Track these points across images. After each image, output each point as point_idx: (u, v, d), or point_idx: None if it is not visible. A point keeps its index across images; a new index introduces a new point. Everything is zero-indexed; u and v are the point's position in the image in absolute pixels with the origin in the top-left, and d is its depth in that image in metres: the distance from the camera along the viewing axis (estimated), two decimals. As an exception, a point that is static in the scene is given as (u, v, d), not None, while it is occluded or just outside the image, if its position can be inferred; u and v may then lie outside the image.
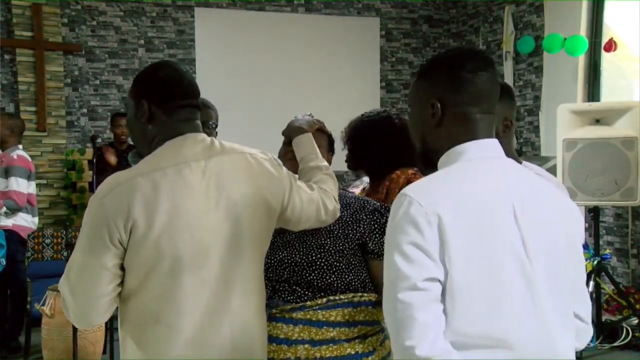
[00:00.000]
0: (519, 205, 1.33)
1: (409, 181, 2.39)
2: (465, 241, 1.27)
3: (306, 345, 1.90)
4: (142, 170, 1.64)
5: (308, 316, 1.91)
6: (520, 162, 2.07)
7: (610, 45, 5.43)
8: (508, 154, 2.04)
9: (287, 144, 2.07)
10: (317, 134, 2.07)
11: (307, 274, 1.94)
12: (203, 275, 1.64)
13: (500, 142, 1.99)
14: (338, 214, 1.92)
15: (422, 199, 1.29)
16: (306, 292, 1.94)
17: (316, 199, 1.85)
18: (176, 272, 1.61)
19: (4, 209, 4.76)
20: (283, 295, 1.95)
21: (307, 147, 2.00)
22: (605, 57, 5.75)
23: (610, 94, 5.85)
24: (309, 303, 1.92)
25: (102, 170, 4.60)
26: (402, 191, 1.33)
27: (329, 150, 2.17)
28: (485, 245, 1.28)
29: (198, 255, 1.63)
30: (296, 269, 1.94)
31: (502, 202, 1.33)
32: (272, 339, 1.91)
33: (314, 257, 1.94)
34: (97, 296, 1.63)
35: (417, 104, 1.47)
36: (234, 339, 1.68)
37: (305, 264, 1.94)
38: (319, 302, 1.91)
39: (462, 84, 1.40)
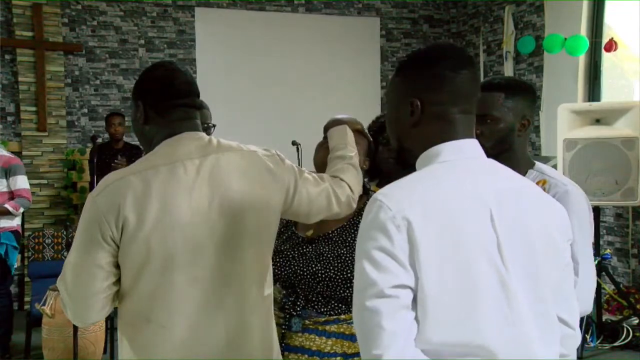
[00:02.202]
0: (496, 209, 1.27)
1: None
2: (437, 246, 1.21)
3: (338, 358, 1.88)
4: (135, 168, 1.66)
5: (342, 329, 1.89)
6: (534, 163, 2.05)
7: (611, 45, 5.43)
8: (522, 153, 2.03)
9: (325, 136, 2.07)
10: (356, 136, 2.02)
11: (342, 291, 1.90)
12: (195, 274, 1.63)
13: (515, 141, 1.98)
14: (354, 205, 1.87)
15: (392, 203, 1.23)
16: (340, 305, 1.91)
17: (326, 190, 1.82)
18: (168, 270, 1.61)
19: (22, 209, 4.75)
20: (317, 307, 1.92)
21: (339, 137, 1.99)
22: (606, 57, 5.75)
23: (610, 94, 5.85)
24: (343, 316, 1.90)
25: (101, 170, 4.62)
26: (373, 195, 1.28)
27: (367, 155, 2.10)
28: (458, 250, 1.22)
29: (190, 254, 1.62)
30: (330, 284, 1.90)
31: (477, 206, 1.27)
32: (304, 351, 1.90)
33: (348, 274, 1.89)
34: (92, 294, 1.64)
35: (395, 102, 1.40)
36: (229, 338, 1.67)
37: (339, 280, 1.90)
38: None
39: (442, 82, 1.33)
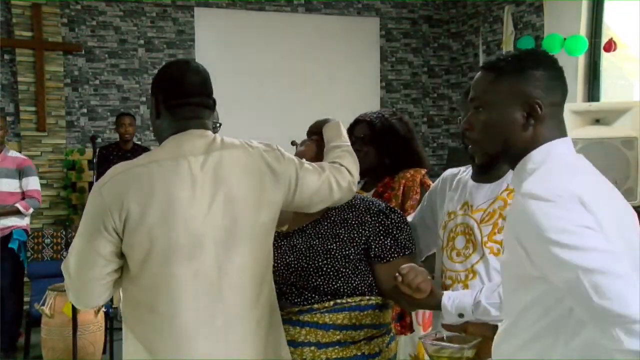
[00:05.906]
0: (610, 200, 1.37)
1: (422, 182, 2.50)
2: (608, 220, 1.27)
3: (312, 348, 1.90)
4: (141, 161, 1.70)
5: (315, 319, 1.91)
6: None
7: (610, 45, 5.43)
8: None
9: (310, 133, 2.18)
10: (310, 143, 2.15)
11: (314, 280, 1.92)
12: (197, 267, 1.66)
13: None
14: (355, 188, 1.95)
15: (555, 192, 1.26)
16: (313, 295, 1.93)
17: (327, 180, 1.87)
18: (170, 262, 1.65)
19: (32, 209, 4.90)
20: (290, 298, 1.95)
21: (333, 130, 2.09)
22: (605, 57, 5.75)
23: (610, 94, 5.85)
24: (316, 306, 1.92)
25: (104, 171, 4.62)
26: (523, 196, 1.29)
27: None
28: (617, 223, 1.31)
29: (192, 247, 1.65)
30: (303, 274, 1.93)
31: (614, 191, 1.39)
32: None
33: (320, 263, 1.92)
34: (93, 280, 1.69)
35: (505, 104, 1.41)
36: (227, 332, 1.70)
37: (311, 269, 1.93)
38: (326, 305, 1.91)
39: (558, 83, 1.43)
